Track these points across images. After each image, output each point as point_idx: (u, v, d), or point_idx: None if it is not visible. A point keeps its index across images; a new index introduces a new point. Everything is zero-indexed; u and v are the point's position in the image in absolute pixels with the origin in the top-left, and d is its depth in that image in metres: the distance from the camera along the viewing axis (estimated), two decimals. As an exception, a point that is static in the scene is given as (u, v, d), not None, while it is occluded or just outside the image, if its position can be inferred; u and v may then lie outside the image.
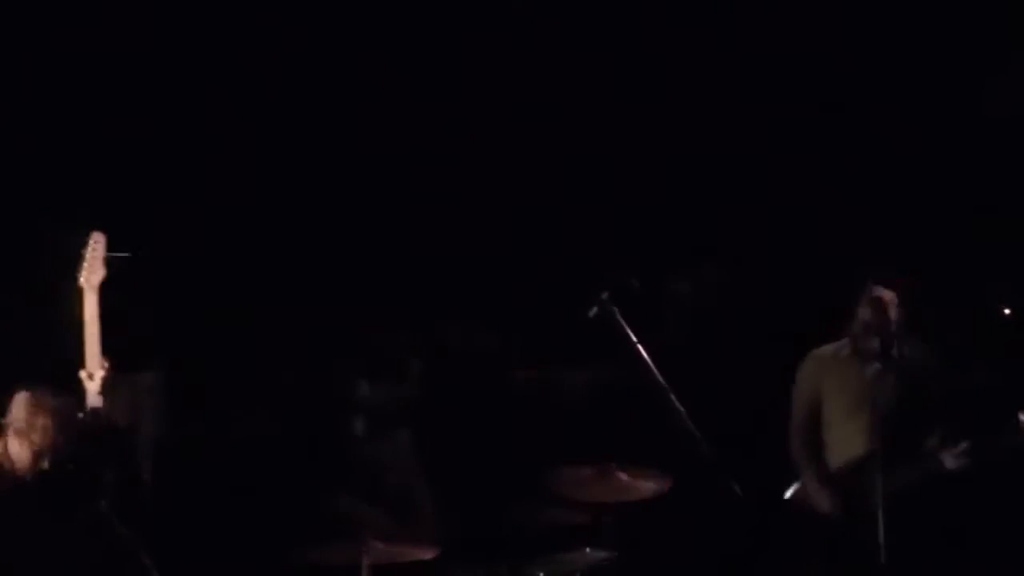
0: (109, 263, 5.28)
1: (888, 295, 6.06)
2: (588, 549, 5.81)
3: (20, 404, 5.03)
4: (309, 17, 7.28)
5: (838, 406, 6.16)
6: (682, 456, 5.68)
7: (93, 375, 5.17)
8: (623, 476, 5.70)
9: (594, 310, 5.62)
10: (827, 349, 6.26)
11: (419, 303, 7.06)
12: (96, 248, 5.29)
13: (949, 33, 7.44)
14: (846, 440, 6.11)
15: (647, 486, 5.77)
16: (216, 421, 6.66)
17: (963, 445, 5.92)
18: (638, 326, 5.63)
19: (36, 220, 6.55)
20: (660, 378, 5.56)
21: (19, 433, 5.00)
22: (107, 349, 5.26)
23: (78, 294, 5.23)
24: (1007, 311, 6.13)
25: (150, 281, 6.74)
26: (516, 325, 7.23)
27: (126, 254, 5.28)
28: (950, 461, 5.95)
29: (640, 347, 5.58)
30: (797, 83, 7.56)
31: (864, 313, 6.10)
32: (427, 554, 5.42)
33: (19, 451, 5.00)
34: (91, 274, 5.25)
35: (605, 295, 5.58)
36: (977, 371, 6.32)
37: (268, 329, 6.98)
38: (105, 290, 5.22)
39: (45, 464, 4.98)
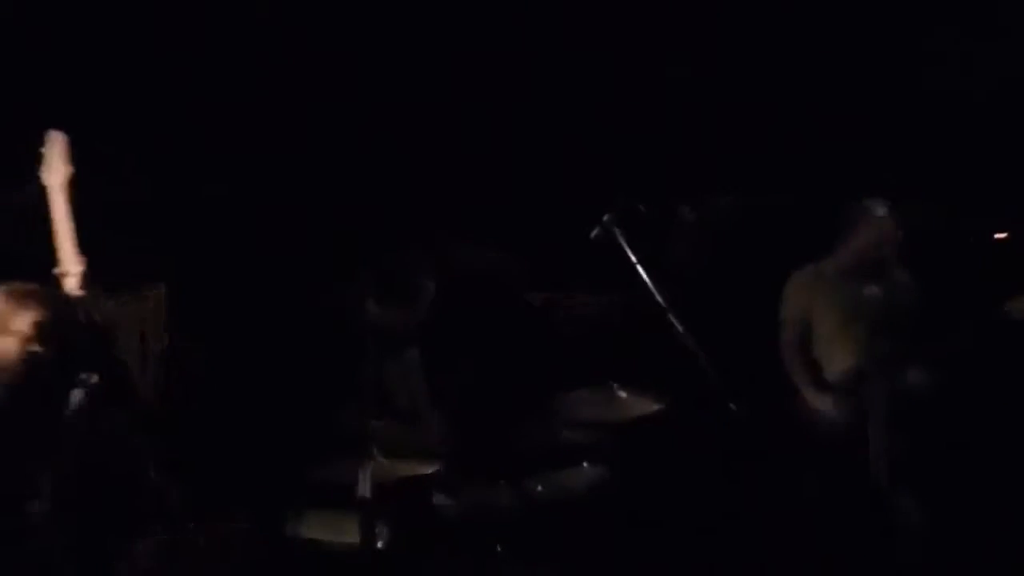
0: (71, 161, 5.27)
1: (889, 217, 6.19)
2: (586, 464, 5.90)
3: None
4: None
5: (830, 323, 6.29)
6: (681, 375, 5.74)
7: (69, 273, 5.16)
8: (623, 395, 5.77)
9: (596, 231, 5.67)
10: (812, 268, 6.38)
11: (428, 224, 7.10)
12: (55, 146, 5.30)
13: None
14: (840, 355, 6.24)
15: (646, 404, 5.84)
16: (222, 337, 6.72)
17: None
18: (642, 251, 5.68)
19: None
20: (660, 298, 5.61)
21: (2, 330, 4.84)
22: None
23: (43, 193, 5.23)
24: (1002, 235, 6.20)
25: (156, 199, 6.81)
26: (523, 247, 7.27)
27: None
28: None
29: (640, 268, 5.63)
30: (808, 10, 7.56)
31: (866, 233, 6.22)
32: (427, 469, 5.51)
33: (4, 347, 4.84)
34: (52, 173, 5.26)
35: (607, 217, 5.64)
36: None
37: (276, 246, 7.04)
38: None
39: (40, 361, 4.81)
